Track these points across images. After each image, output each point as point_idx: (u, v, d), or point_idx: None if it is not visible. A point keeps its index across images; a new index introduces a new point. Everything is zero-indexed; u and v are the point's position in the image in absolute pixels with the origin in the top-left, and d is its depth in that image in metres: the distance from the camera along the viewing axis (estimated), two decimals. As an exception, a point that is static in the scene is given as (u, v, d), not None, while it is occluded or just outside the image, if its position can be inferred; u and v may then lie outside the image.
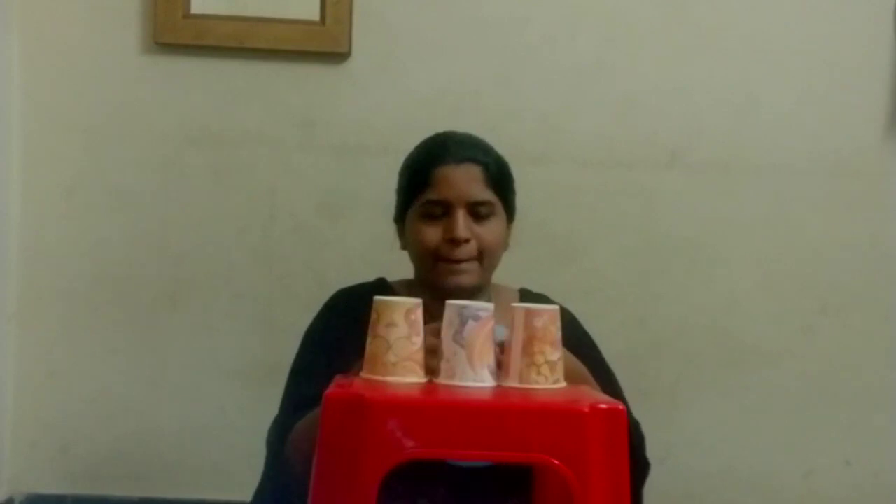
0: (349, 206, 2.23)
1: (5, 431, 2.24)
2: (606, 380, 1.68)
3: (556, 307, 1.41)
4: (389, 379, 1.35)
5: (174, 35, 2.22)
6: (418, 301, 1.39)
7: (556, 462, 1.23)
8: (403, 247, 1.76)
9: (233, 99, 2.25)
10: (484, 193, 1.69)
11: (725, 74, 2.26)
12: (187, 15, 2.21)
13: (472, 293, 1.68)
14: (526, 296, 1.81)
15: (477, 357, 1.35)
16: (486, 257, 1.69)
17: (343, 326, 1.68)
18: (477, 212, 1.68)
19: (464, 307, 1.36)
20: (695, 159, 2.27)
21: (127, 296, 2.26)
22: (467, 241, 1.66)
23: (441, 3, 2.25)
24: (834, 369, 2.28)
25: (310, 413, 1.52)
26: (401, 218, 1.76)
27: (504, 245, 1.76)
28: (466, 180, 1.68)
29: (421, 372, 1.38)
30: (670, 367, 2.28)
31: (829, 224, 2.27)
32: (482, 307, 1.37)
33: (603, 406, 1.27)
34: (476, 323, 1.35)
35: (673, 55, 2.26)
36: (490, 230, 1.69)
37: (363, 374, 1.38)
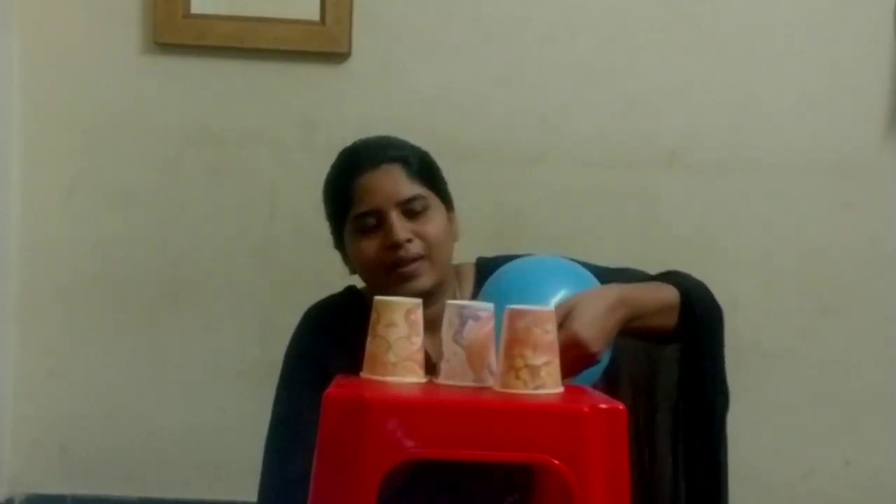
0: (349, 206, 2.23)
1: (5, 431, 2.24)
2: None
3: (549, 309, 1.36)
4: (389, 379, 1.35)
5: (174, 35, 2.22)
6: (418, 301, 1.39)
7: (556, 462, 1.23)
8: (353, 271, 1.72)
9: (233, 99, 2.25)
10: (411, 189, 1.64)
11: (725, 74, 2.26)
12: (187, 15, 2.21)
13: (434, 293, 1.64)
14: (483, 266, 1.75)
15: (477, 357, 1.35)
16: (433, 252, 1.64)
17: (324, 344, 1.68)
18: (410, 209, 1.64)
19: (464, 307, 1.36)
20: (695, 159, 2.27)
21: (127, 296, 2.26)
22: (409, 241, 1.62)
23: (441, 3, 2.25)
24: (834, 369, 2.28)
25: None
26: (340, 243, 1.72)
27: (451, 235, 1.70)
28: (389, 181, 1.64)
29: (421, 372, 1.38)
30: (670, 367, 2.28)
31: (830, 224, 2.27)
32: (482, 307, 1.36)
33: (603, 406, 1.27)
34: (476, 323, 1.35)
35: (673, 55, 2.26)
36: (429, 223, 1.64)
37: (363, 374, 1.38)
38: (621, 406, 1.28)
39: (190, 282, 2.26)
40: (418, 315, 1.38)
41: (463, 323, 1.35)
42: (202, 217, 2.25)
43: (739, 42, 2.26)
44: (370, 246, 1.64)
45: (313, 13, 2.21)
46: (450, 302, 1.38)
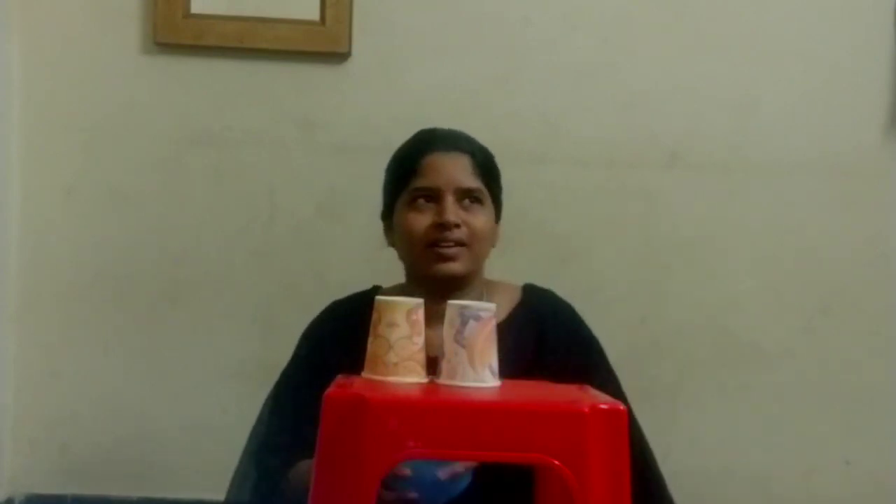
0: (349, 206, 2.23)
1: (5, 431, 2.24)
2: (610, 388, 1.67)
3: (492, 306, 1.39)
4: (390, 379, 1.35)
5: (174, 35, 2.22)
6: (419, 301, 1.39)
7: (556, 462, 1.23)
8: (391, 243, 1.77)
9: (233, 99, 2.25)
10: (473, 181, 1.71)
11: (725, 74, 2.26)
12: (187, 15, 2.21)
13: (461, 284, 1.70)
14: (531, 290, 1.81)
15: (478, 357, 1.35)
16: (475, 244, 1.70)
17: (327, 344, 1.73)
18: (466, 199, 1.70)
19: (465, 307, 1.36)
20: (695, 159, 2.27)
21: (127, 296, 2.26)
22: (457, 225, 1.68)
23: (441, 3, 2.25)
24: (834, 369, 2.28)
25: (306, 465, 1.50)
26: (388, 213, 1.77)
27: (492, 239, 1.76)
28: (455, 167, 1.71)
29: (422, 372, 1.38)
30: (670, 367, 2.28)
31: (829, 224, 2.27)
32: (483, 307, 1.36)
33: (603, 406, 1.27)
34: (477, 323, 1.35)
35: (673, 55, 2.26)
36: (479, 217, 1.71)
37: (364, 374, 1.38)
38: (621, 406, 1.28)
39: (190, 282, 2.26)
40: (419, 315, 1.38)
41: (464, 323, 1.35)
42: (202, 217, 2.25)
43: (739, 42, 2.26)
44: (421, 220, 1.70)
45: (313, 13, 2.21)
46: (451, 302, 1.39)
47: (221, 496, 2.21)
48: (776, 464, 2.27)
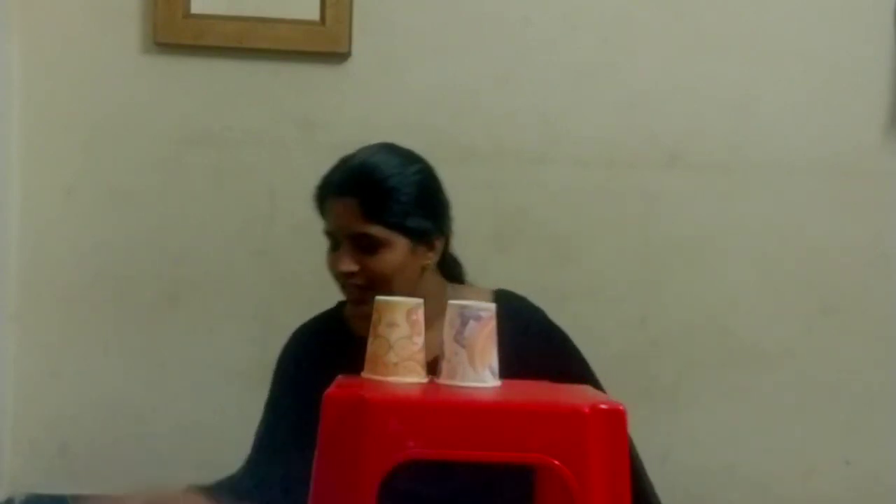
0: (349, 206, 2.23)
1: (5, 431, 2.24)
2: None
3: (492, 306, 1.38)
4: (390, 379, 1.35)
5: (174, 35, 2.21)
6: (419, 301, 1.39)
7: (556, 462, 1.23)
8: None
9: (233, 99, 2.24)
10: (362, 227, 1.65)
11: (725, 74, 2.26)
12: (187, 15, 2.21)
13: None
14: (502, 298, 1.75)
15: (478, 357, 1.35)
16: (378, 286, 1.64)
17: (302, 368, 1.76)
18: (361, 245, 1.66)
19: (465, 307, 1.36)
20: (695, 159, 2.27)
21: (127, 296, 2.26)
22: (352, 274, 1.66)
23: (441, 3, 2.25)
24: (834, 369, 2.28)
25: None
26: None
27: (411, 268, 1.69)
28: (345, 214, 1.67)
29: (422, 372, 1.38)
30: (670, 367, 2.28)
31: (830, 224, 2.27)
32: (483, 307, 1.37)
33: (603, 406, 1.27)
34: (477, 323, 1.35)
35: (673, 55, 2.26)
36: (378, 261, 1.66)
37: (364, 374, 1.38)
38: (621, 406, 1.28)
39: (190, 282, 2.26)
40: (419, 315, 1.38)
41: (464, 323, 1.35)
42: (202, 217, 2.25)
43: (739, 42, 2.26)
44: (331, 259, 1.71)
45: (313, 13, 2.21)
46: (451, 302, 1.39)
47: (221, 496, 2.21)
48: (776, 464, 2.28)
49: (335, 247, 1.70)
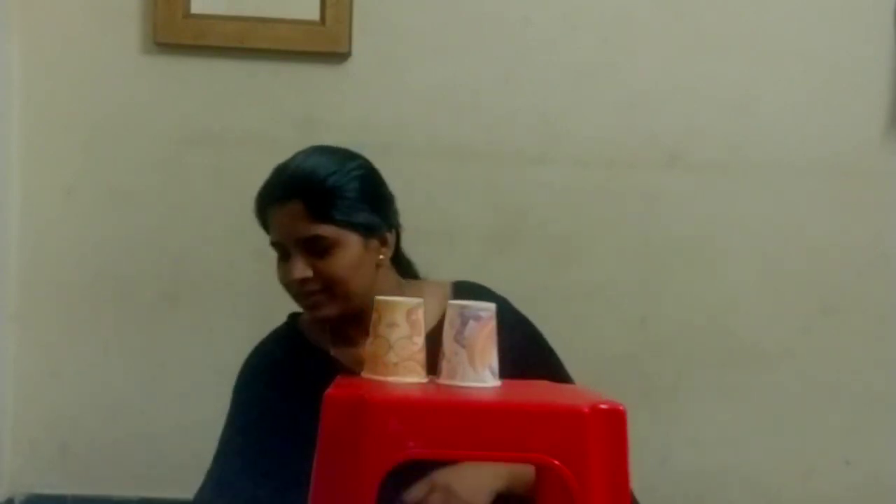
0: (349, 206, 2.23)
1: (5, 431, 2.24)
2: (558, 378, 1.67)
3: (492, 306, 1.37)
4: (390, 379, 1.35)
5: (174, 35, 2.21)
6: (419, 300, 1.39)
7: (556, 462, 1.23)
8: None
9: (233, 99, 2.25)
10: (311, 230, 1.63)
11: (725, 74, 2.26)
12: (187, 15, 2.21)
13: (350, 317, 1.67)
14: (463, 290, 1.75)
15: (478, 357, 1.35)
16: (336, 286, 1.64)
17: (262, 394, 1.73)
18: (312, 248, 1.64)
19: (464, 307, 1.36)
20: (695, 159, 2.27)
21: (127, 296, 2.26)
22: (305, 280, 1.64)
23: (441, 3, 2.25)
24: (834, 369, 2.28)
25: None
26: None
27: (366, 265, 1.67)
28: (290, 219, 1.64)
29: (422, 372, 1.38)
30: (670, 367, 2.28)
31: (829, 224, 2.27)
32: (483, 307, 1.36)
33: (603, 406, 1.27)
34: (477, 323, 1.35)
35: (673, 55, 2.26)
36: (331, 263, 1.63)
37: (364, 374, 1.38)
38: (621, 406, 1.28)
39: (190, 282, 2.26)
40: (419, 315, 1.38)
41: (464, 323, 1.35)
42: (202, 217, 2.25)
43: (739, 42, 2.26)
44: (283, 271, 1.68)
45: (313, 13, 2.21)
46: (451, 302, 1.38)
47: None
48: (776, 464, 2.28)
49: (284, 257, 1.66)
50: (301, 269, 1.63)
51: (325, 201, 1.64)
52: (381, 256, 1.70)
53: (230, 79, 2.24)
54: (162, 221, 2.25)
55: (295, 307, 1.75)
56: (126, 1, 2.23)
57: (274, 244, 1.68)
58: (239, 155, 2.24)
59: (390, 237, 1.72)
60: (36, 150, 2.24)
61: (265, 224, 1.71)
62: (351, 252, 1.65)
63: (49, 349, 2.26)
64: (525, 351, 1.68)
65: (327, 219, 1.63)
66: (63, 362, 2.26)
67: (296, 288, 1.66)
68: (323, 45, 2.22)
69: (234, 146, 2.24)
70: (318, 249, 1.63)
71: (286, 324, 1.82)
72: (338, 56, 2.23)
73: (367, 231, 1.67)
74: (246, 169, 2.24)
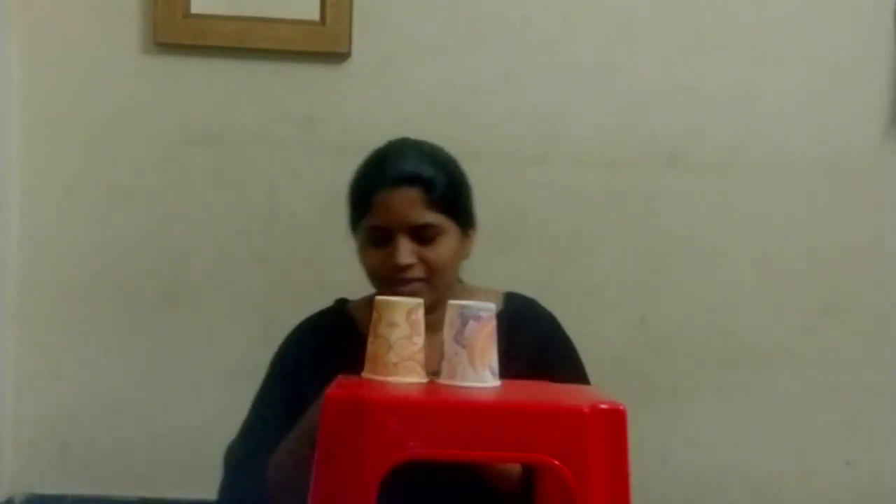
0: (349, 206, 2.23)
1: (5, 431, 2.24)
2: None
3: (492, 306, 1.38)
4: (390, 379, 1.35)
5: (174, 35, 2.21)
6: (419, 301, 1.39)
7: (556, 462, 1.23)
8: (360, 258, 1.74)
9: (233, 99, 2.24)
10: (425, 216, 1.65)
11: (725, 74, 2.26)
12: (187, 15, 2.21)
13: (429, 309, 1.62)
14: (511, 299, 1.78)
15: (478, 357, 1.35)
16: (434, 276, 1.65)
17: (304, 363, 1.73)
18: (420, 235, 1.64)
19: (464, 307, 1.36)
20: (695, 159, 2.27)
21: (127, 296, 2.26)
22: (410, 266, 1.64)
23: (441, 3, 2.25)
24: (834, 369, 2.28)
25: (284, 447, 1.57)
26: (354, 232, 1.74)
27: (460, 256, 1.71)
28: (404, 204, 1.64)
29: (422, 372, 1.38)
30: (670, 367, 2.28)
31: (830, 224, 2.27)
32: (483, 307, 1.36)
33: (603, 406, 1.27)
34: (477, 323, 1.35)
35: (673, 55, 2.26)
36: (437, 251, 1.65)
37: (364, 374, 1.38)
38: (621, 406, 1.28)
39: (190, 282, 2.26)
40: (419, 315, 1.38)
41: (464, 323, 1.35)
42: (202, 217, 2.25)
43: (739, 42, 2.26)
44: (376, 256, 1.67)
45: (313, 13, 2.21)
46: (451, 302, 1.39)
47: (221, 496, 2.21)
48: (776, 464, 2.27)
49: (380, 242, 1.66)
50: (408, 255, 1.63)
51: (446, 188, 1.66)
52: (467, 252, 1.73)
53: (230, 79, 2.24)
54: (162, 221, 2.25)
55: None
56: (126, 1, 2.23)
57: (375, 227, 1.66)
58: (239, 155, 2.24)
59: (473, 234, 1.74)
60: (36, 150, 2.24)
61: (363, 207, 1.68)
62: (452, 243, 1.68)
63: (49, 349, 2.26)
64: (567, 376, 1.68)
65: (442, 207, 1.65)
66: (63, 362, 2.26)
67: (394, 273, 1.64)
68: (323, 45, 2.22)
69: (234, 146, 2.24)
70: (425, 237, 1.65)
71: (334, 307, 1.82)
72: (338, 56, 2.23)
73: (466, 224, 1.71)
74: (246, 169, 2.26)
